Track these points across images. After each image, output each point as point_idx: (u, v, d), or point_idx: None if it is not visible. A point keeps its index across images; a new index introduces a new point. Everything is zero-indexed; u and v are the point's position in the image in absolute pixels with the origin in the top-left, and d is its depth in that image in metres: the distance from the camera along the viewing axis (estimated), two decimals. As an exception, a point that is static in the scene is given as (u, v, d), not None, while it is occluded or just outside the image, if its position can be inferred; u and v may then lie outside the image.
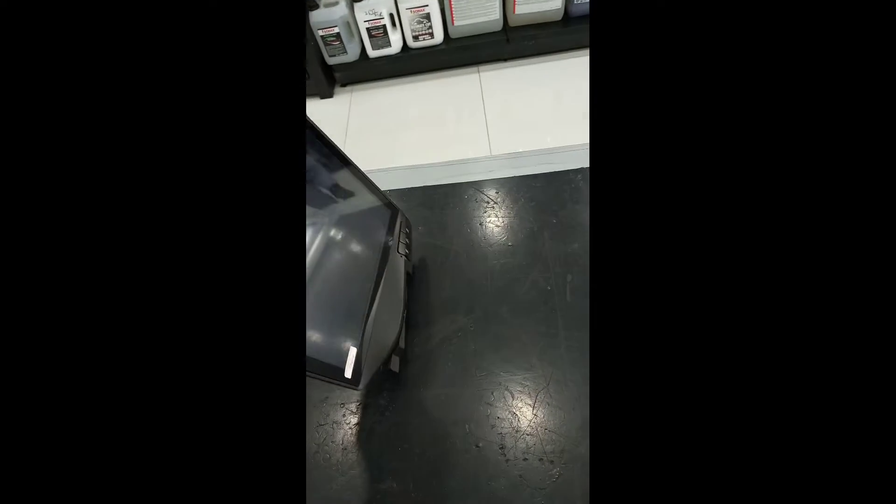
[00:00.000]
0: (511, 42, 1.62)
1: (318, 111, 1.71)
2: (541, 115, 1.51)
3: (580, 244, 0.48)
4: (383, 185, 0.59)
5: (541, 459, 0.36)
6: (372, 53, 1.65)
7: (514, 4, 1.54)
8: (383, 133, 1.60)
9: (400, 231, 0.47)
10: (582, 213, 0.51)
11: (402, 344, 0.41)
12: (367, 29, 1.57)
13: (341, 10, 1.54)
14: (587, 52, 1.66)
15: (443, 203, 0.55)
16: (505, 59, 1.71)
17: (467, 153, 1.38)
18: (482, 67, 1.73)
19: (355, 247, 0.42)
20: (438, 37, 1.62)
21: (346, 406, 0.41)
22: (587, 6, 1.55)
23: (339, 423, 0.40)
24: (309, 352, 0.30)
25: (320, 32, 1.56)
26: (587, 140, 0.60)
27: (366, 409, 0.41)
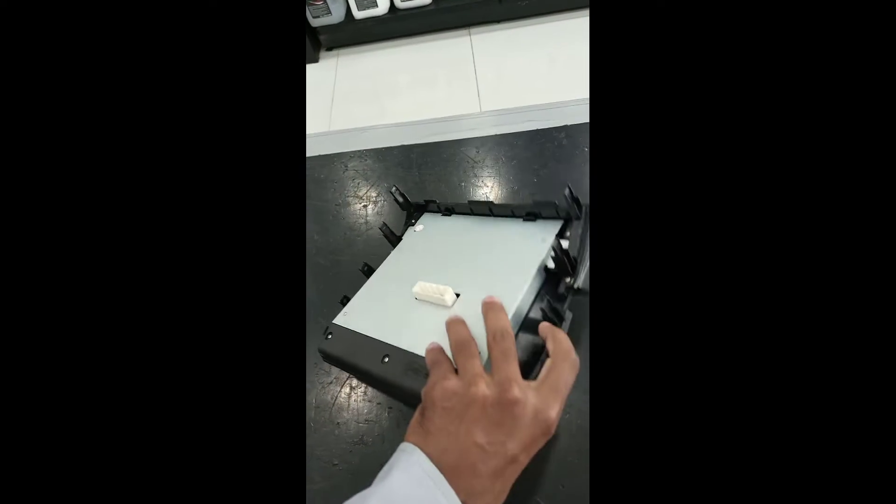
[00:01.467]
0: (503, 2, 1.55)
1: (304, 76, 1.65)
2: (534, 78, 1.46)
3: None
4: (361, 145, 0.56)
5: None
6: (358, 14, 1.57)
7: (507, -40, 1.47)
8: (371, 98, 1.55)
9: None
10: (563, 172, 0.49)
11: None
12: (352, -13, 1.50)
13: (324, -34, 1.46)
14: (581, 12, 1.59)
15: (420, 162, 0.53)
16: (497, 21, 1.64)
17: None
18: (473, 29, 1.66)
19: None
20: (427, -4, 1.54)
21: (319, 365, 0.41)
22: (583, -38, 1.48)
23: (313, 382, 0.40)
24: None
25: (302, -9, 1.48)
26: (574, 97, 0.57)
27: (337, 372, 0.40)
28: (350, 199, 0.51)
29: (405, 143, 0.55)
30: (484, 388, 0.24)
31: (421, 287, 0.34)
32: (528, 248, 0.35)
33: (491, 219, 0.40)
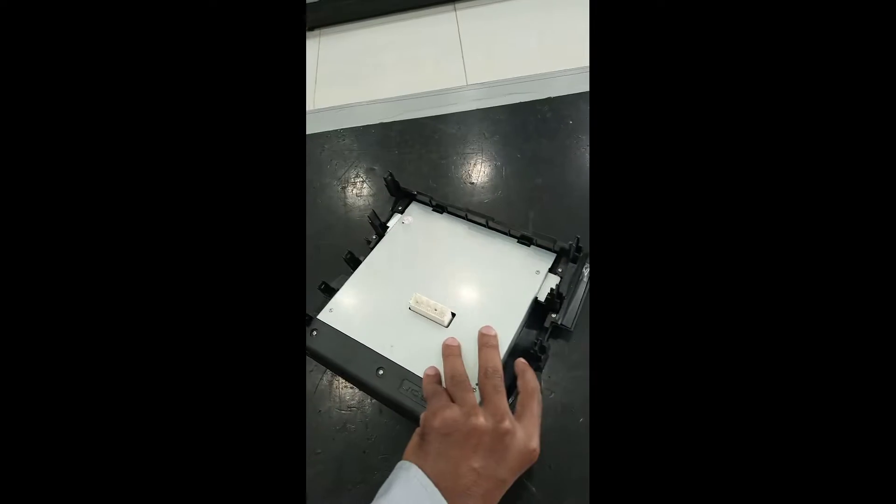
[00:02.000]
0: (488, -26, 1.50)
1: (285, 58, 1.60)
2: (520, 54, 1.42)
3: (543, 179, 0.45)
4: (340, 124, 0.54)
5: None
6: (338, -9, 1.52)
7: (491, -71, 1.41)
8: (355, 79, 1.51)
9: None
10: (547, 147, 0.48)
11: None
12: (331, -38, 1.44)
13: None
14: (570, -17, 1.54)
15: (399, 140, 0.51)
16: (483, -5, 1.59)
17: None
18: (458, 4, 1.61)
19: None
20: (409, -30, 1.49)
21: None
22: (570, -71, 1.42)
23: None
24: None
25: (279, -33, 1.42)
26: (560, 67, 0.55)
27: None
28: (327, 181, 0.49)
29: (384, 120, 0.53)
30: (482, 420, 0.27)
31: (418, 300, 0.34)
32: (524, 276, 0.36)
33: (484, 230, 0.40)
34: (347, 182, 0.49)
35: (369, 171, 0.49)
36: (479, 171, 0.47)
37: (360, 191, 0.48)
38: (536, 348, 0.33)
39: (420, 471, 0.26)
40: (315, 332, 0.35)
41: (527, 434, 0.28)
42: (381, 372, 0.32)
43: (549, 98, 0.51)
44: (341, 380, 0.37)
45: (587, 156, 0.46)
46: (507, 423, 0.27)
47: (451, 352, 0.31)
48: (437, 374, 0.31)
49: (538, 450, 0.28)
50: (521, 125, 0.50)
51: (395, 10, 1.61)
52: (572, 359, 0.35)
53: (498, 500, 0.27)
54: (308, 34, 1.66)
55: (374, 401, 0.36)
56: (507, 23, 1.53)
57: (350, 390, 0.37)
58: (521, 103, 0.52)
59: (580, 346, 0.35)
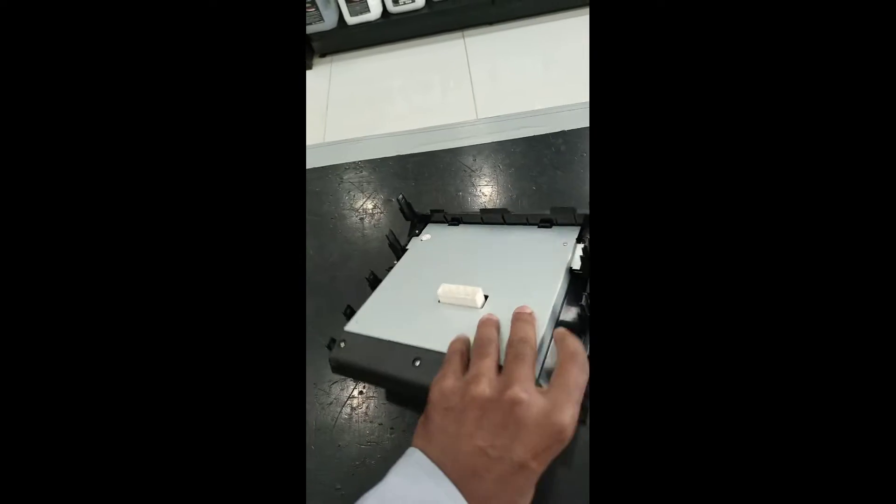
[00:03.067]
0: (496, 4, 1.55)
1: (298, 84, 1.64)
2: (530, 81, 1.45)
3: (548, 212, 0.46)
4: (357, 156, 0.56)
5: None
6: (350, 20, 1.57)
7: (499, -38, 1.46)
8: (367, 104, 1.54)
9: None
10: (562, 179, 0.49)
11: None
12: (344, -7, 1.49)
13: (315, -28, 1.45)
14: (576, 11, 1.59)
15: (416, 173, 0.52)
16: (491, 23, 1.64)
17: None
18: (467, 32, 1.66)
19: None
20: (420, 0, 1.54)
21: (318, 386, 0.40)
22: (575, -38, 1.47)
23: (312, 403, 0.39)
24: None
25: (294, -2, 1.47)
26: (571, 101, 0.57)
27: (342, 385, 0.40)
28: (346, 211, 0.50)
29: (401, 152, 0.55)
30: (484, 387, 0.23)
31: (446, 290, 0.33)
32: (552, 251, 0.34)
33: (502, 227, 0.39)
34: (365, 213, 0.50)
35: (387, 203, 0.50)
36: (494, 203, 0.48)
37: (377, 221, 0.49)
38: (585, 314, 0.30)
39: (422, 455, 0.23)
40: (343, 344, 0.34)
41: (552, 404, 0.22)
42: (417, 363, 0.30)
43: (563, 131, 0.53)
44: (360, 412, 0.38)
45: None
46: (514, 391, 0.22)
47: (486, 321, 0.28)
48: (466, 339, 0.27)
49: (569, 425, 0.22)
50: (535, 158, 0.51)
51: (404, 38, 1.66)
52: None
53: (527, 489, 0.22)
54: (320, 61, 1.71)
55: (392, 434, 0.36)
56: (513, 50, 1.57)
57: (370, 424, 0.37)
58: (535, 136, 0.53)
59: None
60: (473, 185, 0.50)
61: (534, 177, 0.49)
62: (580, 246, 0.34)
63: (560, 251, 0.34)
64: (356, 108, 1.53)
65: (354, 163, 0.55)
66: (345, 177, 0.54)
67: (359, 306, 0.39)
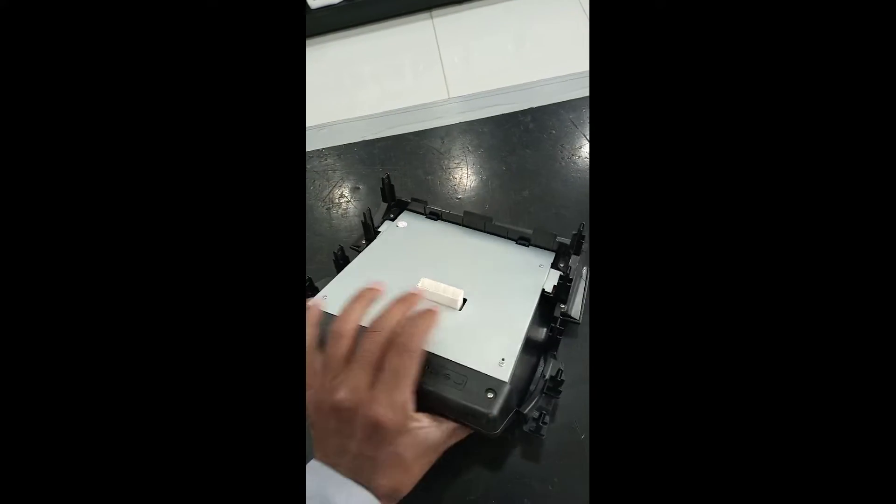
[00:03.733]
0: (463, -19, 1.51)
1: (262, 73, 1.58)
2: (501, 60, 1.43)
3: (530, 191, 0.45)
4: (321, 143, 0.53)
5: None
6: (313, 3, 1.51)
7: (463, -63, 1.42)
8: (336, 91, 1.50)
9: None
10: (531, 158, 0.48)
11: None
12: (305, -25, 1.43)
13: (272, -47, 1.38)
14: (544, -12, 1.56)
15: (384, 158, 0.51)
16: (459, 2, 1.60)
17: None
18: (435, 12, 1.61)
19: None
20: (384, -20, 1.49)
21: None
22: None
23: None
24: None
25: (252, -18, 1.41)
26: (539, 77, 0.55)
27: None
28: (312, 202, 0.49)
29: (367, 137, 0.53)
30: (319, 399, 0.26)
31: (427, 284, 0.32)
32: (529, 270, 0.35)
33: (480, 233, 0.39)
34: (332, 203, 0.48)
35: (354, 191, 0.49)
36: (465, 186, 0.47)
37: (345, 211, 0.48)
38: (556, 334, 0.32)
39: (315, 461, 0.25)
40: None
41: (367, 401, 0.24)
42: None
43: (530, 108, 0.52)
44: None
45: (572, 165, 0.46)
46: (338, 399, 0.24)
47: (336, 337, 0.27)
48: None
49: (383, 414, 0.24)
50: (504, 137, 0.50)
51: (371, 20, 1.61)
52: (573, 373, 0.35)
53: (383, 475, 0.24)
54: (285, 47, 1.65)
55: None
56: (483, 29, 1.54)
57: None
58: (503, 115, 0.52)
59: (581, 360, 0.35)
60: (443, 168, 0.49)
61: (503, 157, 0.48)
62: (554, 273, 0.35)
63: (536, 272, 0.35)
64: (326, 96, 1.48)
65: (318, 150, 0.53)
66: (309, 165, 0.52)
67: (320, 283, 0.37)
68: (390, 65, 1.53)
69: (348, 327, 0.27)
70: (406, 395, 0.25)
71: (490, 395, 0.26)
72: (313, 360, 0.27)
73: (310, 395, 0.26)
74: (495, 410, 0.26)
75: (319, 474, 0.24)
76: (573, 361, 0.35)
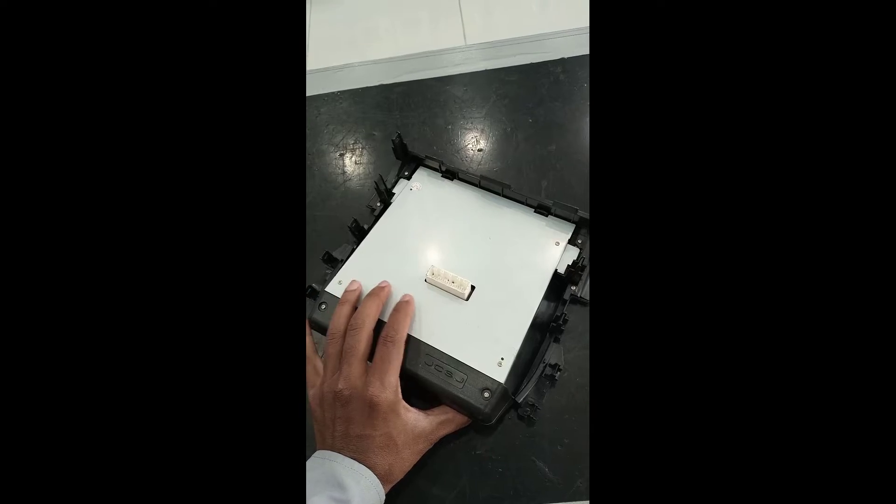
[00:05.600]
0: (490, -73, 1.40)
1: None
2: (525, 19, 1.35)
3: (557, 146, 0.42)
4: (336, 86, 0.50)
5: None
6: (329, -56, 1.41)
7: None
8: (350, 44, 1.43)
9: None
10: (560, 111, 0.44)
11: None
12: (321, -89, 1.33)
13: None
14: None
15: (401, 104, 0.47)
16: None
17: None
18: (458, -39, 1.51)
19: None
20: (406, -79, 1.38)
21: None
22: None
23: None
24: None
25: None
26: (574, 25, 0.51)
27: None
28: (325, 147, 0.46)
29: (384, 82, 0.49)
30: (326, 390, 0.28)
31: (435, 272, 0.32)
32: (543, 248, 0.34)
33: (498, 198, 0.37)
34: (346, 149, 0.46)
35: (369, 137, 0.46)
36: (488, 137, 0.44)
37: (359, 158, 0.45)
38: (561, 322, 0.32)
39: (320, 451, 0.28)
40: (324, 306, 0.33)
41: (361, 385, 0.27)
42: None
43: (562, 59, 0.48)
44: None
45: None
46: (338, 389, 0.27)
47: (351, 330, 0.30)
48: (339, 345, 0.30)
49: (377, 395, 0.27)
50: (532, 88, 0.46)
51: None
52: (587, 336, 0.33)
53: (381, 456, 0.26)
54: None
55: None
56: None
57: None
58: (532, 64, 0.48)
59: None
60: (464, 118, 0.46)
61: (530, 108, 0.45)
62: (571, 249, 0.35)
63: (551, 251, 0.34)
64: (339, 48, 1.42)
65: (333, 93, 0.49)
66: (322, 109, 0.49)
67: (338, 252, 0.37)
68: (407, 17, 1.45)
69: (339, 329, 0.30)
70: (395, 379, 0.28)
71: (486, 395, 0.28)
72: (315, 363, 0.31)
73: (313, 392, 0.30)
74: (489, 408, 0.28)
75: (326, 460, 0.26)
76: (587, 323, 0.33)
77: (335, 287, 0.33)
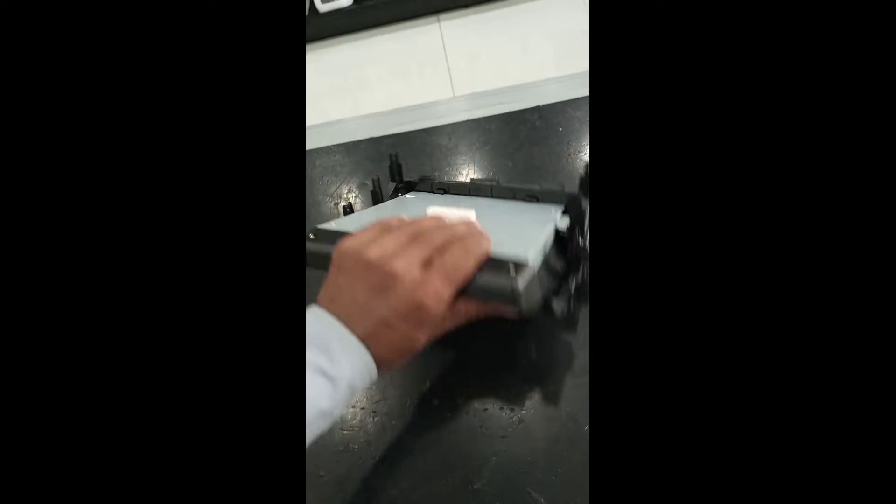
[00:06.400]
0: (470, -14, 1.52)
1: (271, 75, 1.59)
2: (507, 62, 1.44)
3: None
4: (330, 140, 0.54)
5: (500, 408, 0.34)
6: (322, 7, 1.53)
7: (471, -58, 1.43)
8: (342, 94, 1.51)
9: None
10: (539, 155, 0.48)
11: None
12: (314, -21, 1.45)
13: (282, -42, 1.40)
14: (551, -9, 1.57)
15: (391, 154, 0.51)
16: (466, 6, 1.61)
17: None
18: (442, 16, 1.63)
19: None
20: (392, -16, 1.50)
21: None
22: (548, -60, 1.44)
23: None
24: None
25: (262, -14, 1.42)
26: (545, 76, 0.56)
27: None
28: (321, 197, 0.49)
29: (374, 135, 0.53)
30: (373, 253, 0.25)
31: (436, 211, 0.34)
32: (541, 213, 0.36)
33: (489, 200, 0.40)
34: (340, 198, 0.49)
35: (361, 187, 0.49)
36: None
37: (354, 207, 0.48)
38: (575, 244, 0.32)
39: (316, 306, 0.25)
40: (313, 237, 0.31)
41: (419, 282, 0.24)
42: None
43: (538, 106, 0.52)
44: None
45: (579, 161, 0.47)
46: (392, 265, 0.24)
47: (431, 219, 0.29)
48: (384, 221, 0.28)
49: (430, 302, 0.24)
50: (511, 134, 0.50)
51: (379, 24, 1.62)
52: (575, 365, 0.35)
53: (390, 348, 0.24)
54: (293, 50, 1.66)
55: (375, 418, 0.35)
56: (490, 32, 1.55)
57: (352, 409, 0.36)
58: (510, 112, 0.52)
59: (583, 350, 0.35)
60: (450, 165, 0.49)
61: (510, 153, 0.49)
62: (566, 219, 0.36)
63: (549, 213, 0.36)
64: (332, 99, 1.50)
65: (326, 147, 0.53)
66: (317, 162, 0.52)
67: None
68: (398, 68, 1.54)
69: (407, 219, 0.28)
70: (452, 291, 0.25)
71: (513, 274, 0.26)
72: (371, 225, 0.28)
73: (350, 240, 0.27)
74: (518, 285, 0.26)
75: (322, 321, 0.24)
76: (578, 346, 0.35)
77: (330, 225, 0.33)
